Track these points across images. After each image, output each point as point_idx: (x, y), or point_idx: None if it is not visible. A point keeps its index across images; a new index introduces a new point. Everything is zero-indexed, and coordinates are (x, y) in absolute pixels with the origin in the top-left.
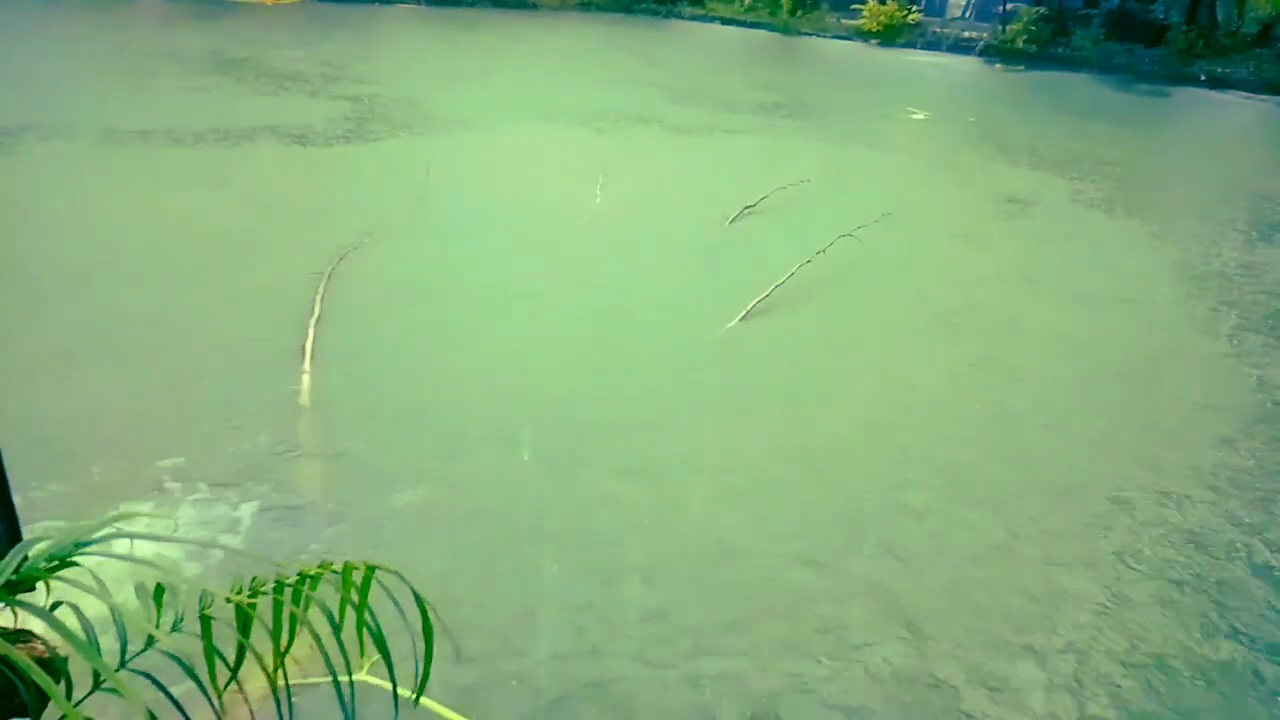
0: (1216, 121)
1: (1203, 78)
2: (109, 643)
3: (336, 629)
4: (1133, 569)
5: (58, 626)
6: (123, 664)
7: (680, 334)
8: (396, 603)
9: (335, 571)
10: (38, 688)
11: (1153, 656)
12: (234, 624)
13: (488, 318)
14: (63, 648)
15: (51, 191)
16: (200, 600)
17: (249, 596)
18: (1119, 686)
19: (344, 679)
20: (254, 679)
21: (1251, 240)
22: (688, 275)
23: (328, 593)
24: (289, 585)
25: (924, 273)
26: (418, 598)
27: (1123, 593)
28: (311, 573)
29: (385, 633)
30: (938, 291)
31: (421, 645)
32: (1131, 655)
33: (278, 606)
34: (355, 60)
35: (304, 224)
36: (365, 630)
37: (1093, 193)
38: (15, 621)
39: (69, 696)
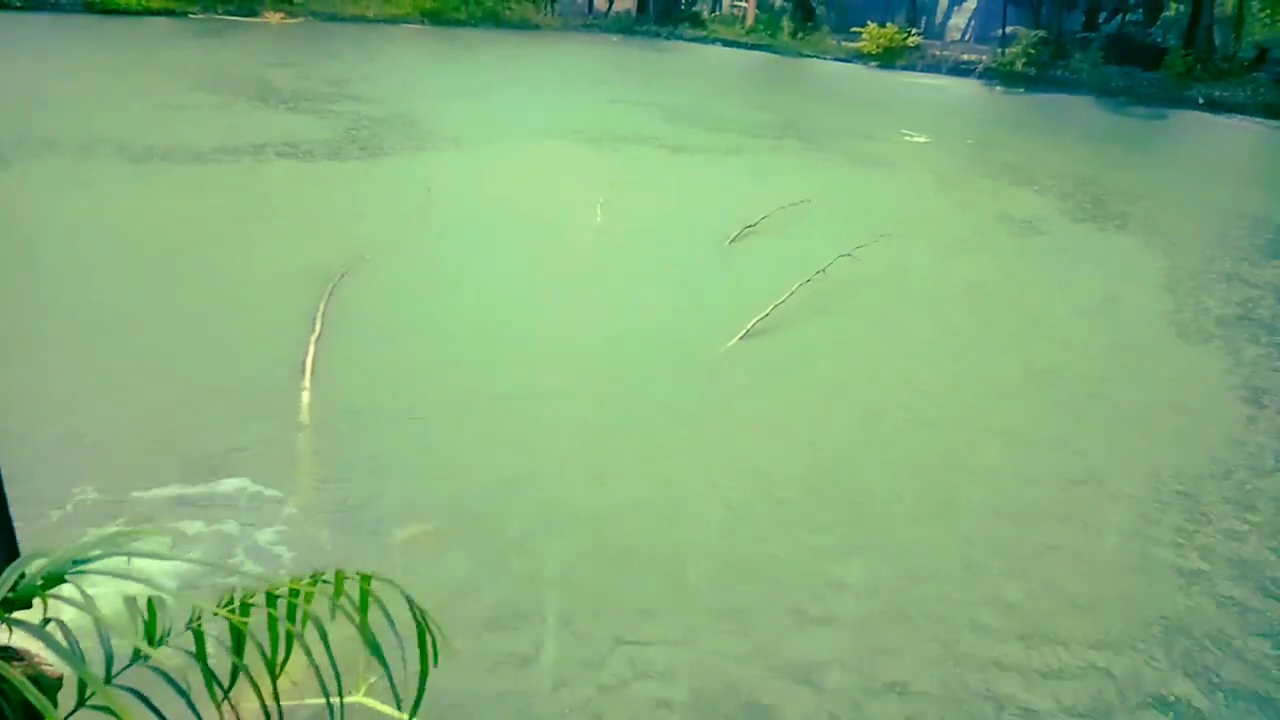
0: (1213, 144)
1: (1200, 101)
2: (100, 660)
3: (325, 639)
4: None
5: (50, 643)
6: (108, 679)
7: (680, 353)
8: (387, 613)
9: (326, 581)
10: (23, 707)
11: None
12: (223, 639)
13: (488, 337)
14: (56, 666)
15: (61, 206)
16: (190, 615)
17: (240, 612)
18: None
19: (338, 699)
20: (250, 696)
21: (1243, 260)
22: (688, 294)
23: (320, 607)
24: (280, 597)
25: (922, 290)
26: (414, 608)
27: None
28: (302, 585)
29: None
30: (936, 309)
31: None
32: None
33: (272, 621)
34: (360, 79)
35: (307, 241)
36: (364, 642)
37: (1092, 214)
38: (10, 637)
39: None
